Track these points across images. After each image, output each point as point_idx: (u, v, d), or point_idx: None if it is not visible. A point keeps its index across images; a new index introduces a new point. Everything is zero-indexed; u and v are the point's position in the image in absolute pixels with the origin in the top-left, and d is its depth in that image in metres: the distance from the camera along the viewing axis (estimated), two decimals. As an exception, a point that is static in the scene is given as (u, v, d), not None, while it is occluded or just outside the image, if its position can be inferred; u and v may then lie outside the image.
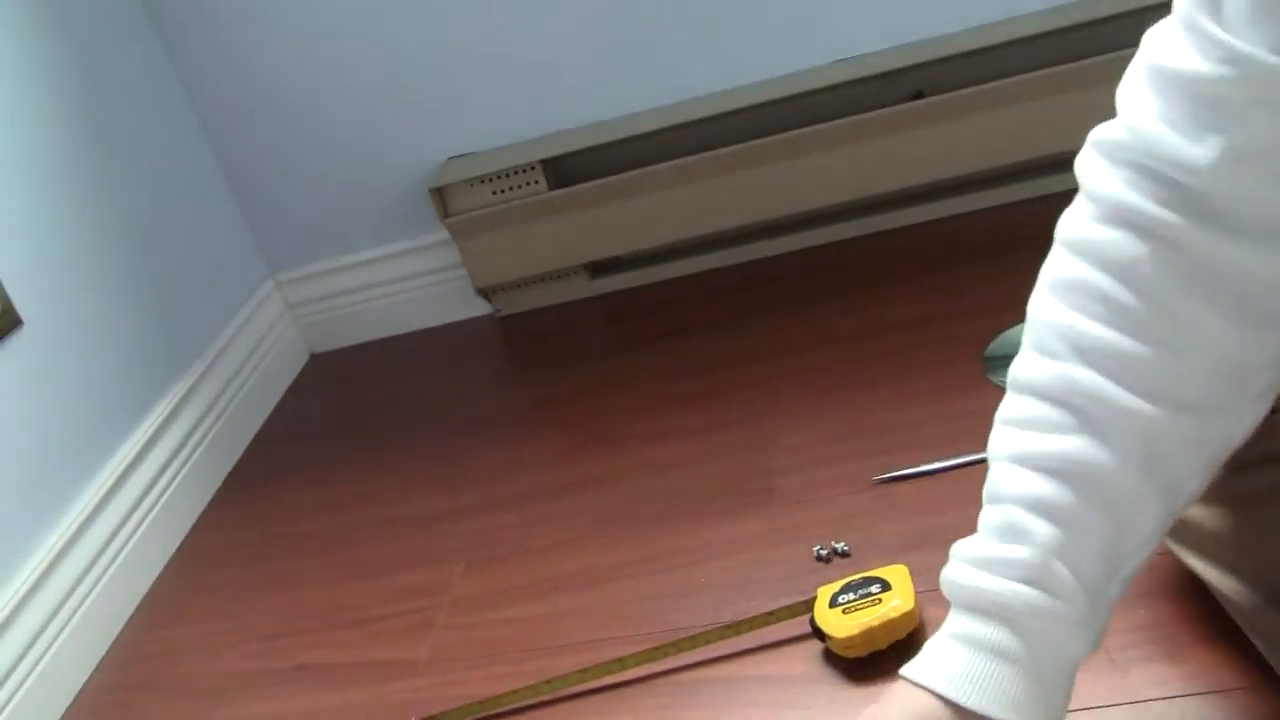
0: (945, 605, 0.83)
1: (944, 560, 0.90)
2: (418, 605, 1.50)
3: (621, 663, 1.26)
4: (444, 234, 2.13)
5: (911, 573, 1.22)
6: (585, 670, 1.26)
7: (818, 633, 1.20)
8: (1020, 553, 0.79)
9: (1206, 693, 1.03)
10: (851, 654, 1.18)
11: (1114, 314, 0.79)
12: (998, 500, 0.82)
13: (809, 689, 1.18)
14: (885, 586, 1.20)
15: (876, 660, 1.17)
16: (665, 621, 1.30)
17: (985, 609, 0.80)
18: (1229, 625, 1.01)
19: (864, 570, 1.23)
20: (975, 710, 0.78)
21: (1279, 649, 0.97)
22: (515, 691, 1.27)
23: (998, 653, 0.80)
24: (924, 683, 0.81)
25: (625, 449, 1.67)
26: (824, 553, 1.33)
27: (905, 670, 0.82)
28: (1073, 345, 0.80)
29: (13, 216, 1.68)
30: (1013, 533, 0.80)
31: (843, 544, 1.33)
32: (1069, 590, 0.79)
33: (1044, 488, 0.79)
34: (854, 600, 1.19)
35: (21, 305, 1.65)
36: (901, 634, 1.17)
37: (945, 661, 0.81)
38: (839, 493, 1.43)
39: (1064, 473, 0.79)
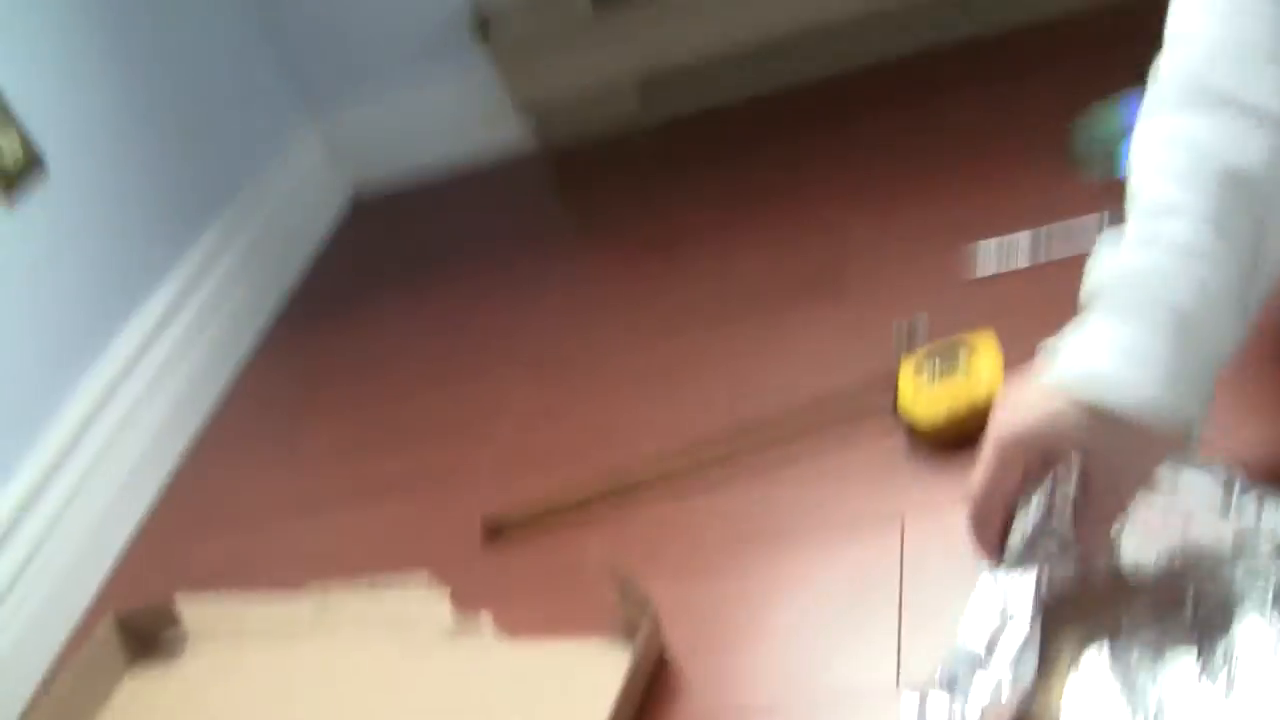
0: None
1: (1036, 335, 0.84)
2: (476, 416, 1.44)
3: (695, 450, 1.20)
4: (486, 59, 2.04)
5: (1001, 341, 1.14)
6: (662, 461, 1.20)
7: (902, 416, 1.13)
8: (1175, 229, 0.76)
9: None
10: (939, 436, 1.11)
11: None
12: (1136, 199, 0.79)
13: (900, 466, 1.12)
14: (971, 354, 1.12)
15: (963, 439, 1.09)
16: (736, 412, 1.25)
17: (1118, 289, 0.77)
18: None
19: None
20: (1090, 400, 0.75)
21: None
22: (586, 488, 1.22)
23: (1120, 335, 0.76)
24: (1054, 370, 0.78)
25: (688, 254, 1.61)
26: (906, 333, 1.25)
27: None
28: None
29: (36, 58, 1.61)
30: (1170, 212, 0.77)
31: (923, 317, 1.24)
32: (1222, 256, 0.75)
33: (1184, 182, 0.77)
34: (938, 376, 1.12)
35: (47, 147, 1.58)
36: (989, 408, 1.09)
37: (1074, 343, 0.78)
38: (921, 276, 1.35)
39: (1202, 170, 0.76)
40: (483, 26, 1.96)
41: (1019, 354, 0.84)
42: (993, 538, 0.81)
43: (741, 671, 0.99)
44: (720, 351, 1.38)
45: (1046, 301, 0.83)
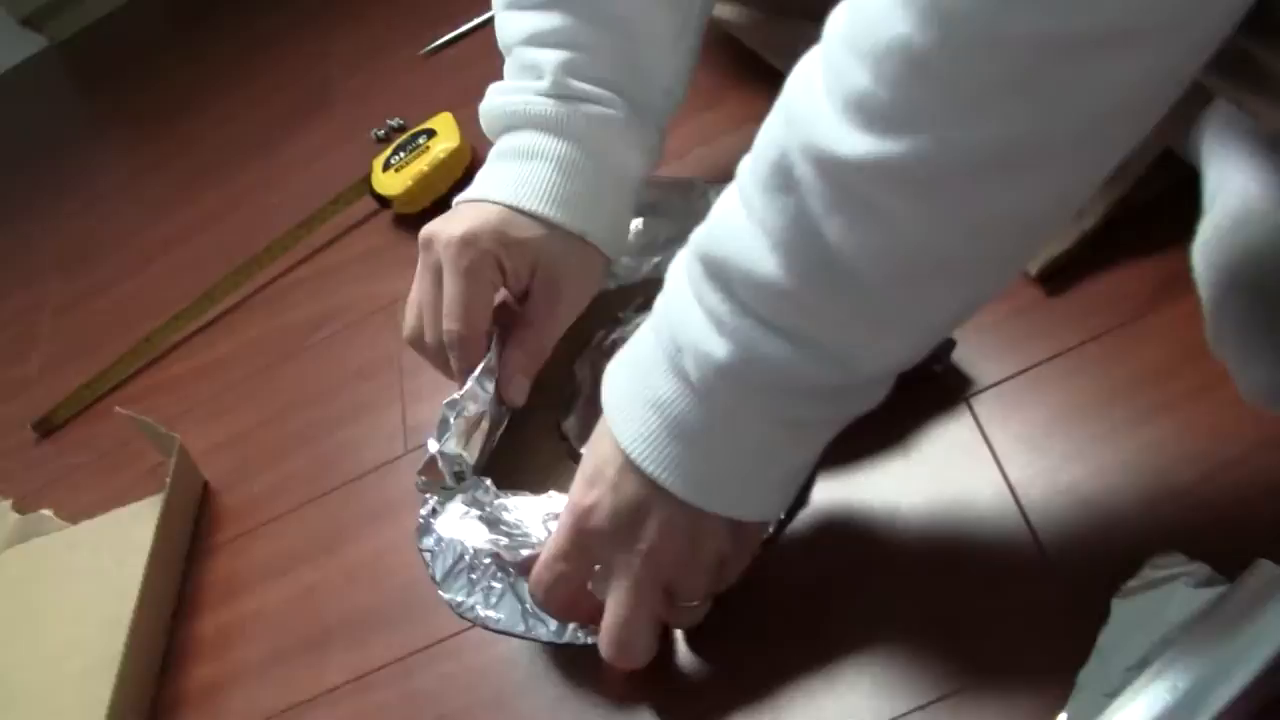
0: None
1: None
2: (15, 329, 1.44)
3: (210, 296, 1.24)
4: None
5: (459, 119, 1.20)
6: (177, 315, 1.24)
7: (380, 200, 1.18)
8: (541, 83, 0.81)
9: (741, 126, 1.05)
10: (416, 207, 1.17)
11: None
12: (506, 47, 0.84)
13: (389, 253, 1.18)
14: (432, 134, 1.18)
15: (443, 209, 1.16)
16: (250, 249, 1.27)
17: (517, 123, 0.82)
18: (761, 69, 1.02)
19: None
20: (519, 206, 0.80)
21: (779, 54, 0.99)
22: (118, 361, 1.24)
23: (533, 154, 0.81)
24: (474, 195, 0.82)
25: (193, 115, 1.63)
26: (381, 133, 1.31)
27: (458, 196, 0.84)
28: None
29: None
30: (528, 69, 0.82)
31: (398, 119, 1.30)
32: (594, 95, 0.80)
33: (539, 20, 0.81)
34: (405, 157, 1.17)
35: None
36: (458, 172, 1.17)
37: (489, 175, 0.83)
38: (392, 77, 1.41)
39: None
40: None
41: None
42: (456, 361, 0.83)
43: (273, 486, 1.04)
44: (231, 199, 1.41)
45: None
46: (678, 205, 0.92)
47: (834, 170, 0.51)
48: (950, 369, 0.77)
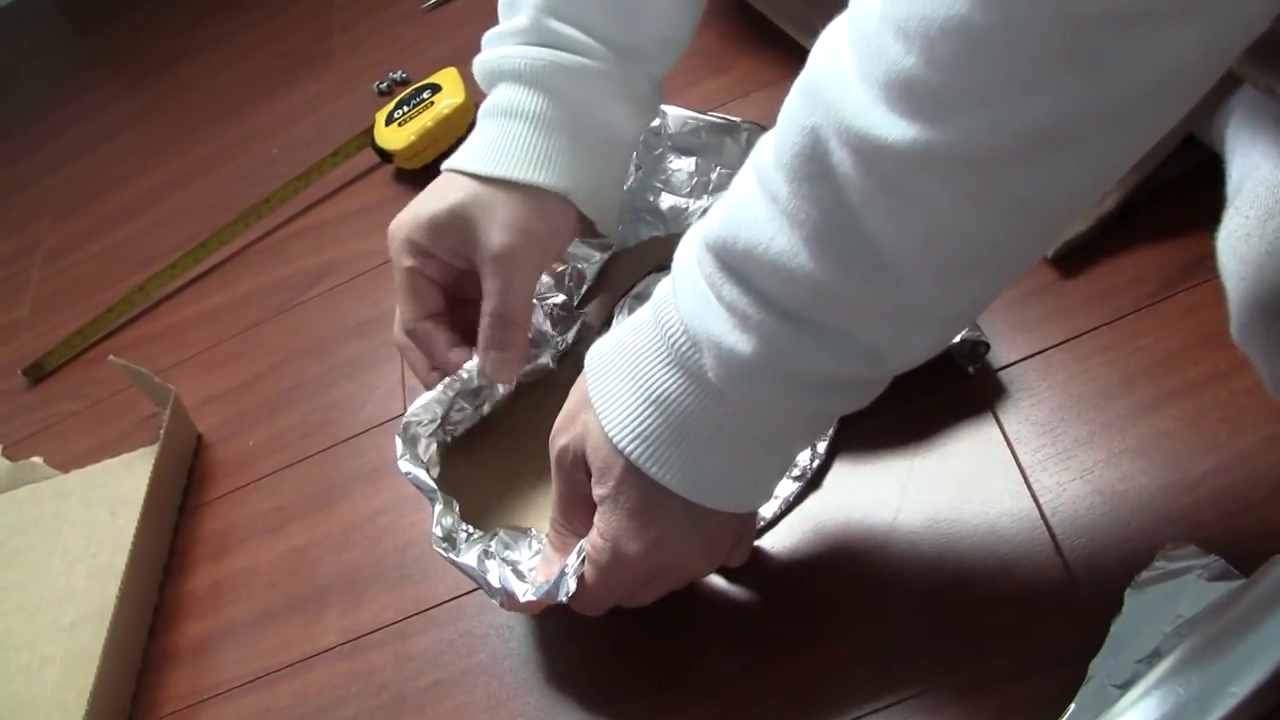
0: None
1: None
2: (8, 273, 1.42)
3: (205, 246, 1.22)
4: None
5: (463, 74, 1.19)
6: (173, 265, 1.22)
7: (382, 155, 1.17)
8: (519, 21, 0.77)
9: (750, 94, 1.05)
10: (420, 162, 1.16)
11: None
12: None
13: (390, 208, 1.16)
14: (436, 89, 1.17)
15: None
16: (247, 199, 1.26)
17: (496, 78, 0.79)
18: (771, 34, 1.01)
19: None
20: (493, 175, 0.76)
21: (807, 31, 0.97)
22: (111, 309, 1.23)
23: (510, 112, 0.78)
24: (452, 166, 0.79)
25: (190, 59, 1.60)
26: (384, 85, 1.29)
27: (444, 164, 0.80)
28: None
29: None
30: (508, 7, 0.78)
31: (400, 72, 1.29)
32: (573, 42, 0.76)
33: None
34: (408, 111, 1.16)
35: None
36: (462, 129, 1.16)
37: (471, 140, 0.79)
38: (394, 30, 1.39)
39: None
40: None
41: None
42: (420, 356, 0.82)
43: (268, 441, 1.03)
44: (228, 147, 1.39)
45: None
46: (727, 146, 0.91)
47: (875, 157, 0.48)
48: (983, 370, 0.76)
